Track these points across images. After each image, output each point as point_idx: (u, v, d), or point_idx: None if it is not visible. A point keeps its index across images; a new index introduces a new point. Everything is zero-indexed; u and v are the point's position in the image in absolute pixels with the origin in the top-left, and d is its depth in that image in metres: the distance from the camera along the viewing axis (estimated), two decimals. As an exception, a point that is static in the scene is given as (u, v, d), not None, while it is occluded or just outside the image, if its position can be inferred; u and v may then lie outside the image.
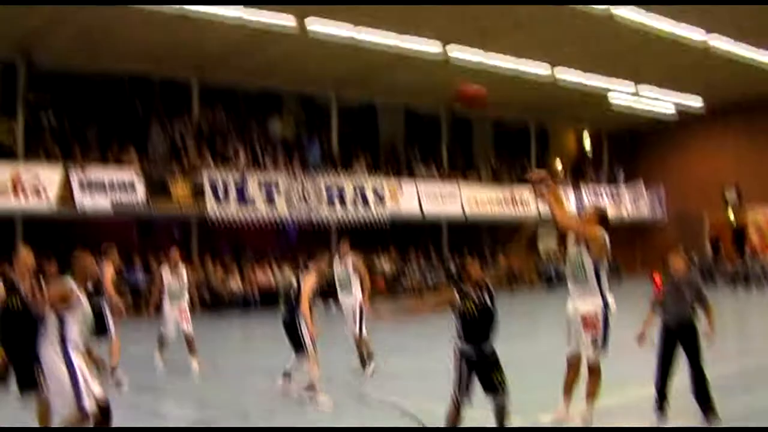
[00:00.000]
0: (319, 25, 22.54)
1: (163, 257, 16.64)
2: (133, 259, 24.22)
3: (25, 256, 8.96)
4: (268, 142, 28.29)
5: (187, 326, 13.41)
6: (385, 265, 29.33)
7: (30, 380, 7.89)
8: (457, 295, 7.56)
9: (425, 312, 8.54)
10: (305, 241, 28.10)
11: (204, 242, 26.64)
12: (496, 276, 9.79)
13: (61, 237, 21.46)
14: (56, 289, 7.42)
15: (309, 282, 10.61)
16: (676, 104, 35.19)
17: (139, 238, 26.91)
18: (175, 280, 13.53)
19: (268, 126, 29.29)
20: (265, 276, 25.97)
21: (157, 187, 23.32)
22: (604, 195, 36.06)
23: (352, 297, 12.93)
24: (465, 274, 7.64)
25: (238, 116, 28.76)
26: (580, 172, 37.78)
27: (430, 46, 24.90)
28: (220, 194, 24.29)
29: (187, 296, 13.72)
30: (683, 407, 8.84)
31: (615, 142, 41.14)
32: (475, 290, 7.57)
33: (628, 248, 35.57)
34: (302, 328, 10.42)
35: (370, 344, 12.83)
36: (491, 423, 7.65)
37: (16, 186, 20.93)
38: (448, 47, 25.17)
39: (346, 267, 13.08)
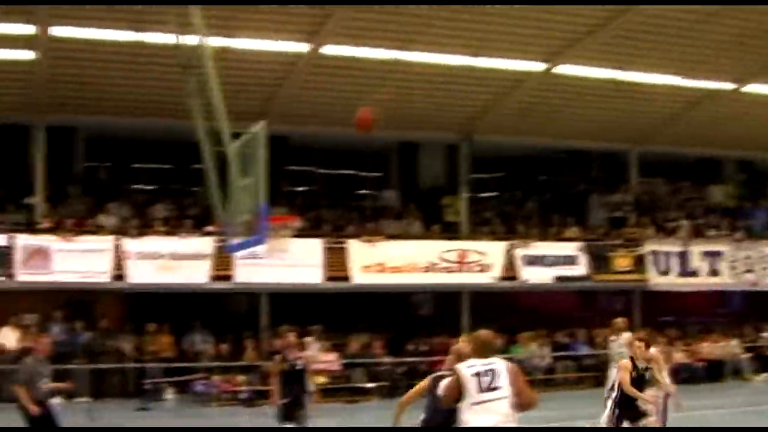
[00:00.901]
0: (754, 84, 21.64)
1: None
2: (575, 331, 24.58)
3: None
4: (709, 211, 27.41)
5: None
6: None
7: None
8: None
9: None
10: (751, 311, 26.53)
11: (646, 314, 26.26)
12: None
13: (505, 309, 22.77)
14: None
15: None
16: None
17: (581, 311, 27.29)
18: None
19: (708, 193, 28.41)
20: (710, 347, 24.81)
21: (598, 260, 23.58)
22: None
23: None
24: None
25: (677, 185, 28.26)
26: None
27: None
28: (662, 264, 23.94)
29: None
30: None
31: None
32: None
33: None
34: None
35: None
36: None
37: (462, 261, 22.51)
38: None
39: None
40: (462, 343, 9.19)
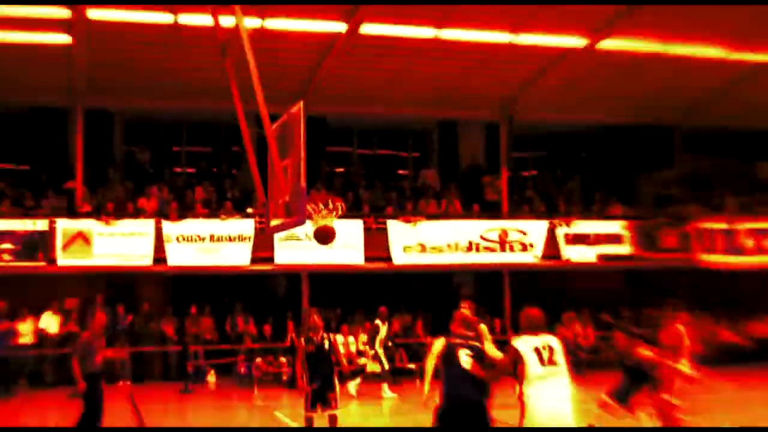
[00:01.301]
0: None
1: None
2: (621, 311, 24.22)
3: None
4: (757, 187, 26.81)
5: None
6: None
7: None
8: None
9: None
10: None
11: (693, 293, 25.80)
12: None
13: (548, 289, 22.50)
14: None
15: None
16: None
17: (627, 290, 26.89)
18: None
19: (756, 170, 27.80)
20: (761, 326, 24.37)
21: (644, 238, 23.21)
22: None
23: None
24: None
25: (725, 161, 27.66)
26: None
27: None
28: (710, 242, 23.51)
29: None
30: None
31: None
32: None
33: None
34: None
35: None
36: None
37: (503, 240, 22.29)
38: None
39: None
40: (463, 309, 9.89)
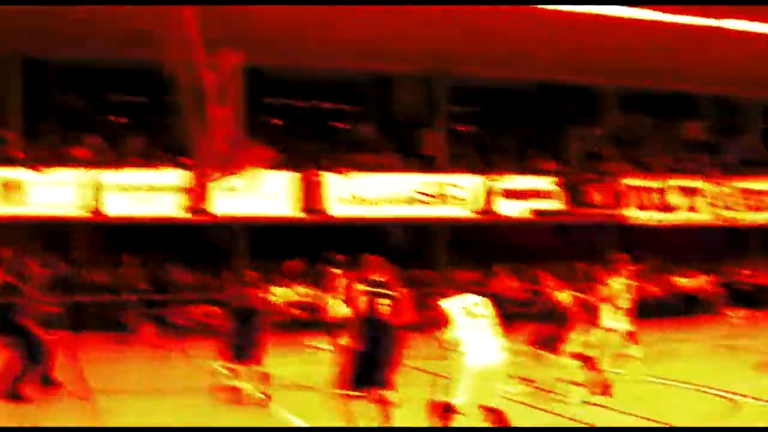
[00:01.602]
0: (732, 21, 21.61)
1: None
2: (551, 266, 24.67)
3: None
4: (685, 146, 27.51)
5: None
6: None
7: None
8: None
9: None
10: (728, 247, 26.88)
11: (622, 249, 26.40)
12: None
13: (481, 243, 22.92)
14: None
15: None
16: None
17: (557, 245, 27.44)
18: None
19: (684, 129, 28.48)
20: (686, 281, 25.19)
21: (573, 194, 23.72)
22: None
23: None
24: None
25: (654, 120, 28.27)
26: None
27: None
28: (638, 199, 24.17)
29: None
30: None
31: None
32: None
33: None
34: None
35: None
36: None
37: (439, 195, 22.65)
38: None
39: None
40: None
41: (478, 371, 7.46)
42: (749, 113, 29.24)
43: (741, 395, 10.93)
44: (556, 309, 11.45)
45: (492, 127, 26.34)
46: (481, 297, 7.92)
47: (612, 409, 10.45)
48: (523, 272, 23.35)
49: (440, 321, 7.67)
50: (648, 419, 9.76)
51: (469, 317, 7.66)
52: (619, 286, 13.48)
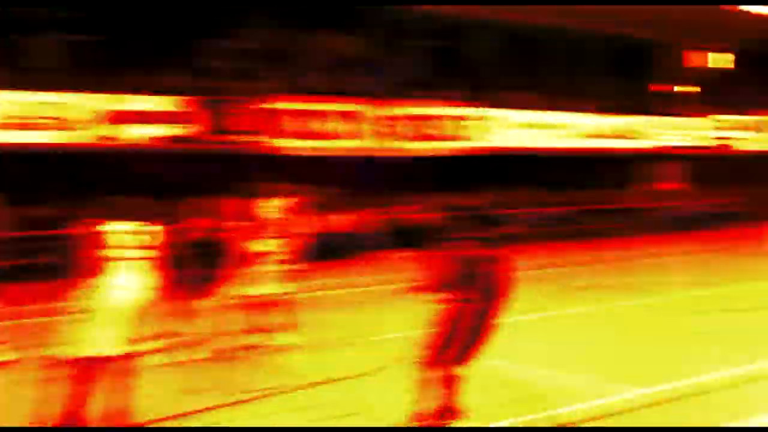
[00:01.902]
0: None
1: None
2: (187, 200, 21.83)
3: None
4: (344, 63, 25.35)
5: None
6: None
7: None
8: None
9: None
10: (392, 178, 25.13)
11: (269, 179, 24.02)
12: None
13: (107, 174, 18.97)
14: None
15: None
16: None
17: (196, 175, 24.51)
18: None
19: (344, 44, 26.12)
20: (342, 219, 23.20)
21: (210, 117, 21.29)
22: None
23: None
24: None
25: (311, 33, 25.47)
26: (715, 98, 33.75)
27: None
28: (291, 125, 22.39)
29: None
30: None
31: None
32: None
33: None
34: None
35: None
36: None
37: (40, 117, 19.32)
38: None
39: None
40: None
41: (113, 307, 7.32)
42: (417, 28, 27.46)
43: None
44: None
45: (112, 36, 21.88)
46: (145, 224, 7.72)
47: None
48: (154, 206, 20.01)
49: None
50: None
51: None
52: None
